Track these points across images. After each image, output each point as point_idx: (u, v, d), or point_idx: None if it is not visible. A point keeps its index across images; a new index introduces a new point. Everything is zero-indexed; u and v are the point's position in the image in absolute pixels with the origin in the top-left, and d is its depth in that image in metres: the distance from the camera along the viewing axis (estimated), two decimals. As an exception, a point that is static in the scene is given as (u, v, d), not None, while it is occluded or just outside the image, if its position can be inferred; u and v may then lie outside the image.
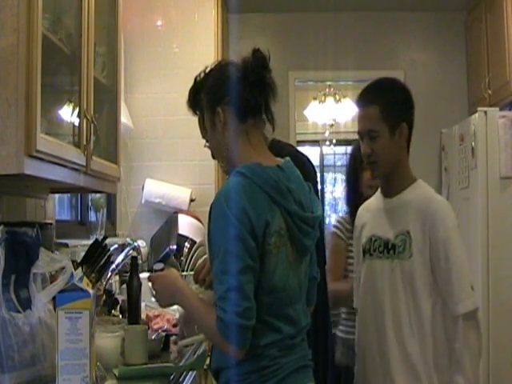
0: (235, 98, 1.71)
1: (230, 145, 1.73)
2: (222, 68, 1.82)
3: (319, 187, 8.34)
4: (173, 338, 2.25)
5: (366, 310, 2.14)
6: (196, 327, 1.96)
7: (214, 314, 1.56)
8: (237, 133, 1.72)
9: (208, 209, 4.06)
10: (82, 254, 2.43)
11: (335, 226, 2.86)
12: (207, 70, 2.14)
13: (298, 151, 2.21)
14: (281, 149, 2.14)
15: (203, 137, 2.17)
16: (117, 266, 2.81)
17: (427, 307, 2.00)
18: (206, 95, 1.78)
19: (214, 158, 2.19)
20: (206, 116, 1.78)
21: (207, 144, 2.17)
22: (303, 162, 2.13)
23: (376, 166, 2.09)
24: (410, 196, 2.08)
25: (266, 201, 1.62)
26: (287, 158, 1.77)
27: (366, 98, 2.12)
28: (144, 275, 2.96)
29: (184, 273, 3.40)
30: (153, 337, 2.16)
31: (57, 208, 2.89)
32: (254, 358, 1.60)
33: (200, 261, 3.52)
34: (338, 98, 6.79)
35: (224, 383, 1.68)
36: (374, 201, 2.22)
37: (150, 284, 1.81)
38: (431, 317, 2.00)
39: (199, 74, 2.16)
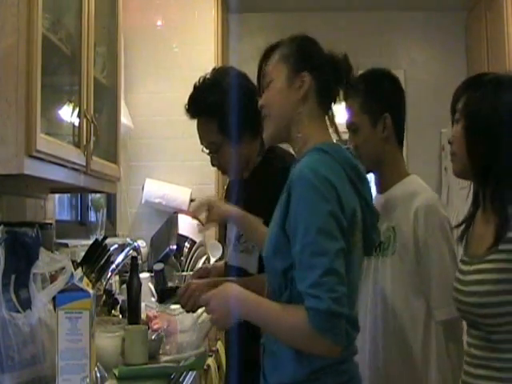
0: (324, 76, 1.61)
1: (304, 119, 1.59)
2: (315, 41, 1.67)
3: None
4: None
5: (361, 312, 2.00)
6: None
7: (297, 310, 1.39)
8: (314, 111, 1.61)
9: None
10: (82, 254, 2.43)
11: None
12: (208, 76, 2.14)
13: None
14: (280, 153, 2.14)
15: (204, 141, 2.16)
16: (117, 266, 2.81)
17: (415, 308, 1.87)
18: (295, 46, 1.63)
19: (213, 163, 2.18)
20: (278, 67, 1.62)
21: (205, 150, 2.16)
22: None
23: (360, 160, 2.03)
24: (398, 191, 1.97)
25: (350, 186, 1.50)
26: None
27: (348, 91, 2.02)
28: (144, 275, 2.97)
29: (184, 273, 3.41)
30: (153, 337, 2.16)
31: (57, 208, 2.89)
32: (334, 369, 1.46)
33: (200, 261, 3.54)
34: (338, 98, 6.78)
35: None
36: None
37: (203, 307, 1.62)
38: (420, 319, 1.86)
39: (199, 80, 2.15)
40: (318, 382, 1.47)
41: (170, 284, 2.57)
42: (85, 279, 1.78)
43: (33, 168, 1.71)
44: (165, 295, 2.22)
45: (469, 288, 1.55)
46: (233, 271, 2.13)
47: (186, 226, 3.67)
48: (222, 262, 2.40)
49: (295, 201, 1.44)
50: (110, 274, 2.71)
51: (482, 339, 1.54)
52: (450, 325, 1.86)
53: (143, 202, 3.92)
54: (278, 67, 1.62)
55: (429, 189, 2.00)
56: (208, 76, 2.14)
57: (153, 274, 3.19)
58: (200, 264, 3.55)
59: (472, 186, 1.68)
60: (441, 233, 1.89)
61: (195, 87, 2.15)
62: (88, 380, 1.59)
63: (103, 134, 2.49)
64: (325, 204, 1.41)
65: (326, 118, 1.66)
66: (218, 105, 2.05)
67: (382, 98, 2.01)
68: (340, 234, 1.41)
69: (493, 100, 1.54)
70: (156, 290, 2.83)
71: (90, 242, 2.47)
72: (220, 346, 3.12)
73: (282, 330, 1.46)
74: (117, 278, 3.01)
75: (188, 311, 2.12)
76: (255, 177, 2.14)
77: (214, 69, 2.23)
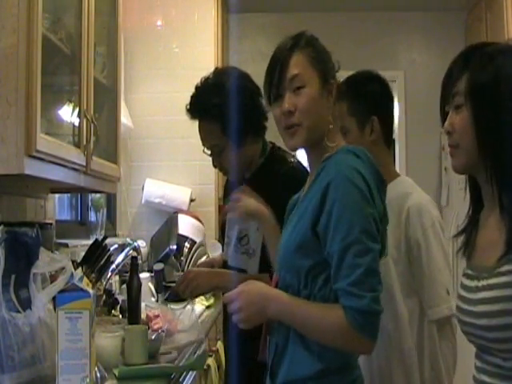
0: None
1: (332, 124, 1.59)
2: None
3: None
4: None
5: None
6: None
7: (333, 308, 1.41)
8: (333, 116, 1.60)
9: (208, 209, 4.05)
10: (82, 254, 2.43)
11: None
12: (210, 77, 2.12)
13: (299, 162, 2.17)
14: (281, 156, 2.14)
15: (206, 144, 2.16)
16: (117, 266, 2.81)
17: (404, 310, 1.87)
18: (324, 58, 1.61)
19: (215, 165, 2.18)
20: (308, 69, 1.57)
21: (207, 151, 2.16)
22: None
23: None
24: (390, 193, 1.88)
25: (376, 190, 1.49)
26: None
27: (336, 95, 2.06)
28: (144, 275, 2.97)
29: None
30: (153, 337, 2.16)
31: (57, 208, 2.89)
32: (346, 369, 1.48)
33: (200, 261, 3.54)
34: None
35: None
36: None
37: (227, 303, 1.54)
38: (408, 322, 1.87)
39: (200, 81, 2.13)
40: (328, 380, 1.47)
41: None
42: (85, 279, 1.78)
43: (33, 168, 1.71)
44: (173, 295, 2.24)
45: (478, 308, 1.28)
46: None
47: (186, 226, 3.68)
48: (219, 254, 2.41)
49: (336, 199, 1.43)
50: (110, 274, 2.70)
51: (495, 366, 1.28)
52: (443, 324, 1.87)
53: (143, 202, 3.92)
54: (309, 72, 1.57)
55: (420, 189, 2.00)
56: (210, 77, 2.13)
57: (153, 274, 3.19)
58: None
59: (468, 185, 1.45)
60: (432, 232, 1.89)
61: (197, 88, 2.14)
62: (88, 380, 1.59)
63: (103, 134, 2.49)
64: (367, 205, 1.43)
65: None
66: (221, 107, 2.04)
67: (368, 100, 1.99)
68: (379, 236, 1.45)
69: (509, 74, 1.27)
70: (162, 287, 2.83)
71: (90, 242, 2.47)
72: (220, 345, 3.12)
73: (318, 328, 1.45)
74: (117, 278, 3.01)
75: (185, 298, 2.13)
76: (257, 177, 2.13)
77: (215, 69, 2.22)
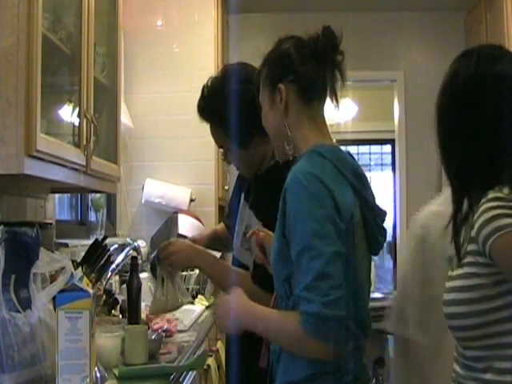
0: (301, 77, 1.55)
1: (293, 127, 1.57)
2: (287, 41, 1.60)
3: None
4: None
5: None
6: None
7: (292, 314, 1.41)
8: (301, 115, 1.56)
9: (208, 209, 4.06)
10: (82, 254, 2.43)
11: None
12: (214, 78, 2.12)
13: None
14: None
15: (216, 144, 2.16)
16: (117, 266, 2.81)
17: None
18: (267, 68, 1.61)
19: (228, 162, 2.18)
20: (262, 93, 1.63)
21: (221, 150, 2.17)
22: None
23: None
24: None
25: (347, 187, 1.47)
26: None
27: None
28: (144, 275, 2.97)
29: (183, 273, 3.40)
30: (153, 337, 2.16)
31: (57, 208, 2.89)
32: (339, 372, 1.45)
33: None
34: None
35: None
36: None
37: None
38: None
39: (207, 83, 2.13)
40: (318, 382, 1.46)
41: None
42: (85, 279, 1.77)
43: (33, 168, 1.71)
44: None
45: (444, 296, 1.34)
46: (235, 264, 2.13)
47: (186, 225, 3.68)
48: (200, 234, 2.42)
49: (291, 206, 1.43)
50: (110, 274, 2.70)
51: (460, 354, 1.33)
52: None
53: (143, 201, 3.92)
54: (262, 93, 1.63)
55: None
56: (216, 77, 2.12)
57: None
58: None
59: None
60: None
61: (202, 91, 2.14)
62: (88, 380, 1.59)
63: (103, 134, 2.49)
64: (320, 208, 1.40)
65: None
66: (222, 112, 2.03)
67: None
68: (337, 237, 1.39)
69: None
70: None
71: (90, 242, 2.47)
72: (220, 346, 3.13)
73: (278, 335, 1.47)
74: (117, 278, 3.01)
75: (167, 266, 2.14)
76: (265, 177, 2.11)
77: (224, 67, 2.19)
